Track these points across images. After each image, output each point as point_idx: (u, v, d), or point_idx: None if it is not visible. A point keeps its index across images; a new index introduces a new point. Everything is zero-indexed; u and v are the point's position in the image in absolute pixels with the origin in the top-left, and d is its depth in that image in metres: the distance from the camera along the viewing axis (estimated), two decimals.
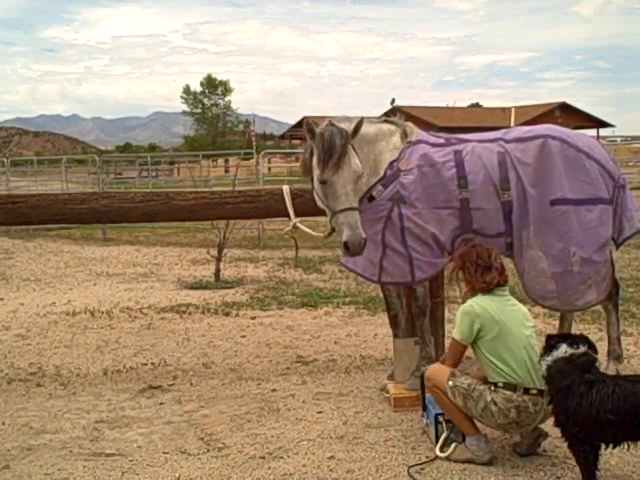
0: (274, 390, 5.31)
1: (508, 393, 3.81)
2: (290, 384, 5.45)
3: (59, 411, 4.98)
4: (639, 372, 5.34)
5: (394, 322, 5.35)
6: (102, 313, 8.13)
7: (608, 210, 4.92)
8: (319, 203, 4.72)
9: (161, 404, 5.09)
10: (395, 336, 5.32)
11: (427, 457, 4.02)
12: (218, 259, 10.19)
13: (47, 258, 13.24)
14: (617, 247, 5.12)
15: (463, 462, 3.93)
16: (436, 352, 5.03)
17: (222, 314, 8.00)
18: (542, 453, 4.04)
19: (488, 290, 3.98)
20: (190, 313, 8.08)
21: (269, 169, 23.49)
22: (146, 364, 6.11)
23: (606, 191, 4.92)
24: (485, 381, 3.94)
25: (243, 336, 7.01)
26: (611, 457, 3.85)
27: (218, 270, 10.09)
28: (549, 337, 3.79)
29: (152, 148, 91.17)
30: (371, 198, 4.77)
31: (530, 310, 4.45)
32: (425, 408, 4.37)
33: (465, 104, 78.20)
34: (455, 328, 3.99)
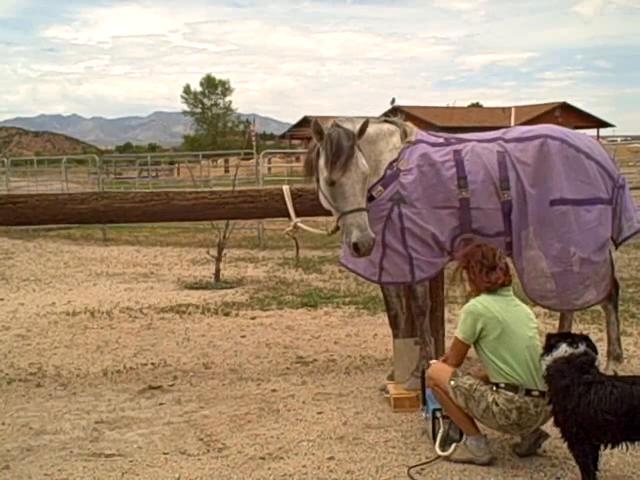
0: (274, 390, 5.31)
1: (510, 394, 3.81)
2: (290, 384, 5.45)
3: (59, 411, 4.98)
4: (639, 372, 5.35)
5: (394, 322, 5.35)
6: (102, 313, 8.13)
7: (607, 210, 4.92)
8: (325, 204, 4.73)
9: (161, 404, 5.08)
10: (395, 336, 5.32)
11: (427, 457, 4.02)
12: (218, 259, 10.19)
13: (47, 258, 13.24)
14: (616, 247, 5.12)
15: (463, 462, 3.93)
16: (436, 352, 5.02)
17: (222, 314, 8.00)
18: (542, 454, 4.04)
19: (492, 290, 3.97)
20: (190, 313, 8.08)
21: (269, 169, 23.48)
22: (146, 364, 6.11)
23: (605, 191, 4.92)
24: (486, 381, 3.93)
25: (243, 336, 7.01)
26: (611, 457, 3.86)
27: (218, 270, 10.09)
28: (549, 336, 3.79)
29: (152, 148, 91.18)
30: (371, 198, 4.77)
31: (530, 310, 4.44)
32: (425, 402, 4.37)
33: (465, 104, 78.21)
34: (458, 327, 3.98)
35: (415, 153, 4.91)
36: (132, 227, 16.45)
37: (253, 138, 31.11)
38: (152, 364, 6.11)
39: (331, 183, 4.47)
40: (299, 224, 5.26)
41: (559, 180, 4.83)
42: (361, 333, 7.01)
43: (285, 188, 5.39)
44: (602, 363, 4.31)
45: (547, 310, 6.08)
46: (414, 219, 4.79)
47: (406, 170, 4.85)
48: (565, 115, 50.84)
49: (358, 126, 4.60)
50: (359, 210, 4.44)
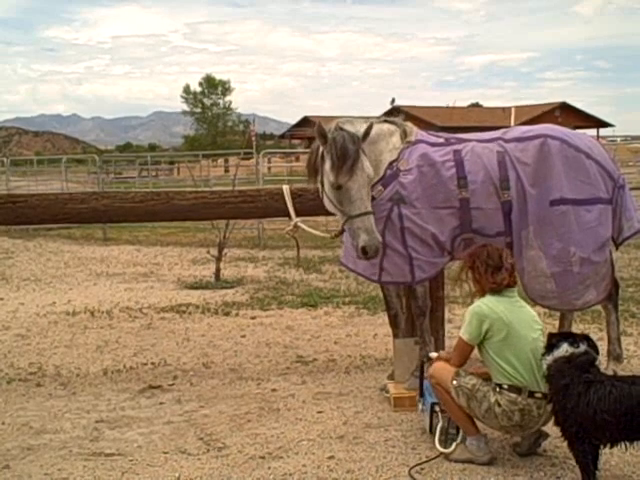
0: (274, 390, 5.31)
1: (513, 396, 3.80)
2: (290, 384, 5.45)
3: (59, 411, 4.98)
4: (639, 372, 5.35)
5: (394, 322, 5.35)
6: (102, 313, 8.13)
7: (607, 210, 4.92)
8: (330, 207, 4.73)
9: (161, 404, 5.09)
10: (395, 336, 5.32)
11: (427, 457, 4.02)
12: (218, 259, 10.20)
13: (47, 258, 13.24)
14: (617, 247, 5.13)
15: (463, 462, 3.93)
16: (436, 351, 5.02)
17: (222, 314, 8.00)
18: (542, 453, 4.04)
19: (497, 291, 3.96)
20: (190, 313, 8.08)
21: (269, 169, 23.47)
22: (146, 364, 6.12)
23: (605, 191, 4.92)
24: (486, 379, 3.93)
25: (243, 336, 7.01)
26: (611, 457, 3.86)
27: (218, 270, 10.10)
28: (551, 335, 3.79)
29: (152, 148, 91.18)
30: (371, 198, 4.77)
31: None
32: (422, 394, 4.37)
33: (465, 104, 78.23)
34: (463, 328, 3.96)
35: (415, 153, 4.91)
36: (132, 227, 16.45)
37: (253, 138, 31.07)
38: (152, 364, 6.12)
39: (337, 187, 4.48)
40: (299, 224, 5.26)
41: (559, 180, 4.83)
42: (361, 333, 7.01)
43: (285, 188, 5.39)
44: (602, 363, 4.31)
45: (547, 310, 6.09)
46: (414, 219, 4.79)
47: (406, 170, 4.85)
48: (565, 115, 50.85)
49: (362, 129, 4.61)
50: (366, 214, 4.46)
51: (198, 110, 76.57)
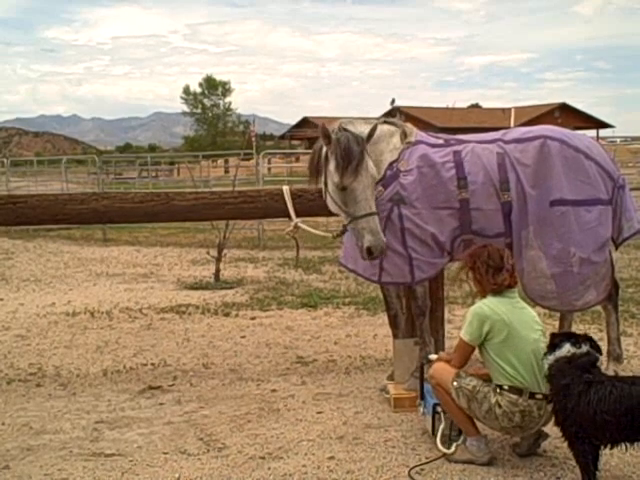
0: (274, 390, 5.31)
1: (514, 397, 3.80)
2: (290, 384, 5.45)
3: (59, 411, 4.98)
4: (639, 372, 5.35)
5: (394, 322, 5.35)
6: (102, 313, 8.14)
7: (607, 210, 4.92)
8: (334, 208, 4.74)
9: (161, 404, 5.09)
10: (395, 336, 5.32)
11: (427, 457, 4.02)
12: (218, 259, 10.20)
13: (47, 258, 13.25)
14: (616, 247, 5.13)
15: (463, 463, 3.93)
16: (436, 352, 5.02)
17: (222, 314, 8.01)
18: (542, 453, 4.04)
19: (498, 292, 3.96)
20: (190, 313, 8.08)
21: (269, 169, 23.48)
22: (146, 364, 6.12)
23: (605, 192, 4.92)
24: (486, 380, 3.93)
25: (243, 336, 7.01)
26: (611, 457, 3.85)
27: (218, 270, 10.10)
28: (553, 335, 3.79)
29: (152, 148, 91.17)
30: None
31: None
32: (423, 397, 4.37)
33: (465, 105, 78.27)
34: (463, 329, 3.96)
35: (415, 154, 4.91)
36: (132, 227, 16.46)
37: (253, 139, 31.06)
38: (152, 364, 6.12)
39: (342, 188, 4.49)
40: (299, 224, 5.27)
41: (559, 180, 4.84)
42: (361, 333, 7.01)
43: (285, 188, 5.39)
44: (602, 363, 4.30)
45: (547, 310, 6.09)
46: (414, 219, 4.79)
47: (406, 171, 4.85)
48: (565, 116, 50.90)
49: (366, 130, 4.61)
50: (371, 214, 4.47)
51: (198, 111, 76.58)
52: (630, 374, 5.01)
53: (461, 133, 5.80)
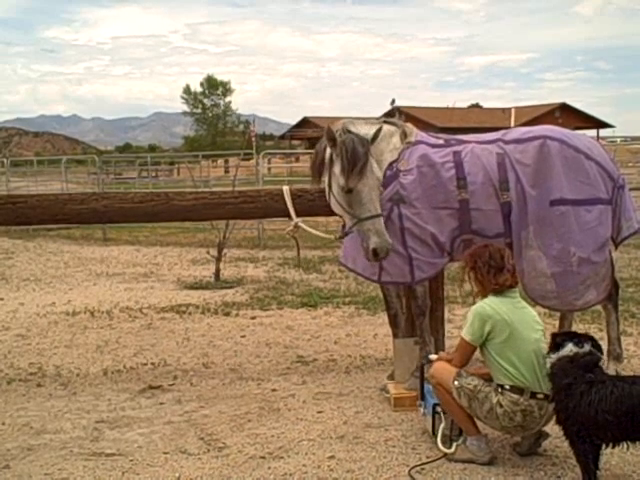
0: (274, 390, 5.31)
1: (515, 396, 3.80)
2: (290, 384, 5.45)
3: (59, 411, 4.98)
4: (639, 372, 5.35)
5: (394, 322, 5.35)
6: (102, 313, 8.14)
7: (607, 210, 4.92)
8: (338, 210, 4.75)
9: (161, 404, 5.09)
10: (395, 336, 5.32)
11: (427, 457, 4.02)
12: (218, 259, 10.20)
13: (47, 258, 13.25)
14: (616, 247, 5.13)
15: (464, 462, 3.93)
16: (436, 352, 5.02)
17: (222, 314, 8.01)
18: (543, 453, 4.04)
19: (499, 291, 3.96)
20: (190, 313, 8.08)
21: (269, 169, 23.48)
22: (146, 364, 6.12)
23: (605, 191, 4.92)
24: (488, 379, 3.93)
25: (243, 336, 7.01)
26: (611, 457, 3.86)
27: (218, 270, 10.10)
28: (555, 335, 3.78)
29: (152, 148, 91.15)
30: None
31: None
32: (423, 397, 4.37)
33: (465, 105, 78.26)
34: (465, 329, 3.96)
35: (415, 154, 4.92)
36: (132, 227, 16.46)
37: (253, 139, 31.06)
38: (152, 364, 6.12)
39: (348, 191, 4.49)
40: (300, 224, 5.27)
41: (559, 180, 4.84)
42: (361, 333, 7.01)
43: (285, 188, 5.39)
44: (604, 363, 4.30)
45: (547, 310, 6.09)
46: (414, 219, 4.80)
47: (406, 170, 4.86)
48: (565, 116, 50.90)
49: (370, 132, 4.61)
50: (377, 216, 4.49)
51: (198, 111, 76.58)
52: (631, 374, 5.01)
53: (461, 133, 5.80)
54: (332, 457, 4.05)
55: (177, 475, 3.89)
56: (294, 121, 67.98)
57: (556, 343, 3.68)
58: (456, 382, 3.93)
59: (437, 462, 3.95)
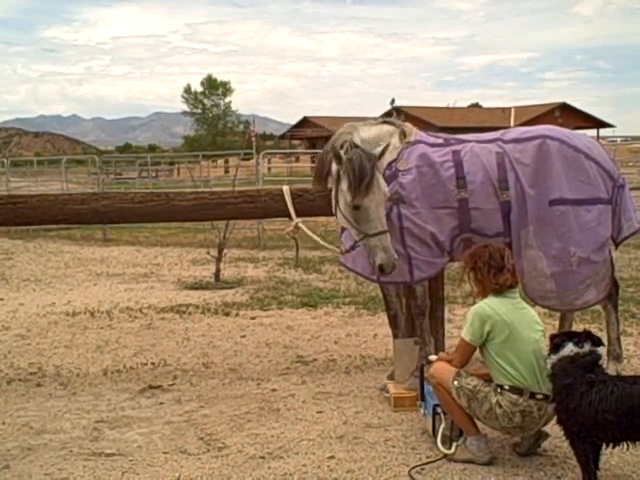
0: (274, 390, 5.32)
1: (514, 397, 3.80)
2: (290, 384, 5.46)
3: (59, 411, 4.98)
4: (639, 372, 5.35)
5: (394, 322, 5.36)
6: (102, 313, 8.14)
7: (607, 210, 4.93)
8: (344, 224, 4.76)
9: (161, 404, 5.09)
10: (395, 336, 5.32)
11: (427, 457, 4.02)
12: (218, 259, 10.20)
13: (47, 258, 13.25)
14: (616, 247, 5.13)
15: (463, 462, 3.93)
16: (436, 352, 5.02)
17: (222, 314, 8.01)
18: (542, 453, 4.04)
19: (499, 291, 3.96)
20: (190, 313, 8.08)
21: (269, 169, 23.49)
22: (146, 364, 6.12)
23: (605, 191, 4.92)
24: (487, 380, 3.93)
25: (243, 336, 7.01)
26: (611, 457, 3.86)
27: (218, 270, 10.10)
28: (553, 336, 3.77)
29: (152, 148, 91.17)
30: None
31: None
32: (423, 398, 4.37)
33: (465, 104, 78.27)
34: (465, 329, 3.96)
35: (414, 153, 4.92)
36: (132, 227, 16.45)
37: (253, 138, 31.09)
38: (152, 364, 6.12)
39: (355, 207, 4.50)
40: (300, 225, 5.27)
41: (558, 180, 4.84)
42: (361, 333, 7.01)
43: (285, 188, 5.39)
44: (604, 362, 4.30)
45: (547, 310, 6.09)
46: (413, 219, 4.80)
47: (405, 170, 4.86)
48: (565, 115, 50.89)
49: (378, 149, 4.59)
50: (383, 232, 4.49)
51: (198, 111, 76.58)
52: (631, 373, 5.01)
53: (461, 133, 5.80)
54: (332, 457, 4.05)
55: (177, 475, 3.89)
56: (294, 121, 68.02)
57: (555, 344, 3.68)
58: (455, 382, 3.93)
59: (437, 462, 3.95)
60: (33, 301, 9.01)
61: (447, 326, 5.87)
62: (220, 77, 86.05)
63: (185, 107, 77.24)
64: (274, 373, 5.77)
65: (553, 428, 3.82)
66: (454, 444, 4.01)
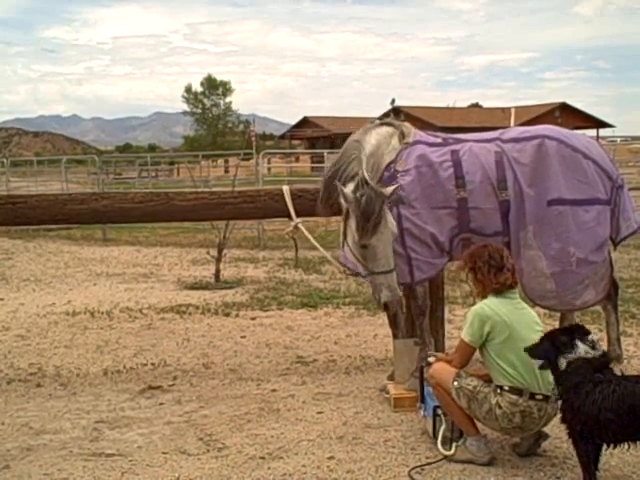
0: (274, 390, 5.32)
1: (514, 397, 3.80)
2: (290, 384, 5.46)
3: (59, 411, 4.98)
4: (639, 372, 5.35)
5: (394, 322, 5.35)
6: (102, 313, 8.13)
7: (606, 210, 4.93)
8: (352, 259, 4.77)
9: (161, 404, 5.09)
10: (395, 336, 5.32)
11: (427, 457, 4.02)
12: (218, 259, 10.20)
13: (47, 258, 13.24)
14: (615, 247, 5.13)
15: (463, 462, 3.93)
16: (436, 352, 5.03)
17: (222, 314, 8.01)
18: (542, 453, 4.04)
19: (500, 291, 3.96)
20: (190, 313, 8.08)
21: (269, 169, 23.49)
22: (146, 364, 6.12)
23: (604, 191, 4.92)
24: (487, 380, 3.93)
25: (243, 336, 7.01)
26: (611, 457, 3.86)
27: (218, 270, 10.10)
28: (550, 333, 3.74)
29: (152, 148, 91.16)
30: None
31: None
32: (423, 400, 4.37)
33: (465, 104, 78.24)
34: (465, 330, 3.96)
35: (413, 154, 4.92)
36: (132, 227, 16.45)
37: (253, 138, 31.09)
38: (152, 364, 6.12)
39: (362, 246, 4.50)
40: (300, 225, 5.27)
41: (557, 180, 4.84)
42: (361, 333, 7.01)
43: (285, 188, 5.39)
44: None
45: (547, 311, 6.09)
46: (413, 220, 4.80)
47: (404, 171, 4.85)
48: (565, 115, 50.85)
49: (390, 188, 4.53)
50: (390, 271, 4.50)
51: (198, 110, 76.56)
52: (635, 373, 5.01)
53: (461, 133, 5.79)
54: (332, 457, 4.05)
55: (177, 475, 3.89)
56: (294, 121, 67.99)
57: (563, 342, 3.64)
58: (455, 383, 3.93)
59: (437, 463, 3.95)
60: (33, 301, 9.01)
61: (447, 326, 5.87)
62: (220, 77, 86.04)
63: (185, 107, 77.28)
64: (274, 374, 5.77)
65: (553, 429, 3.83)
66: (454, 444, 4.01)
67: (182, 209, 5.45)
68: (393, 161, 4.88)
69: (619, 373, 4.62)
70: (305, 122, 62.55)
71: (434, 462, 3.95)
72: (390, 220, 4.53)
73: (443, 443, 4.05)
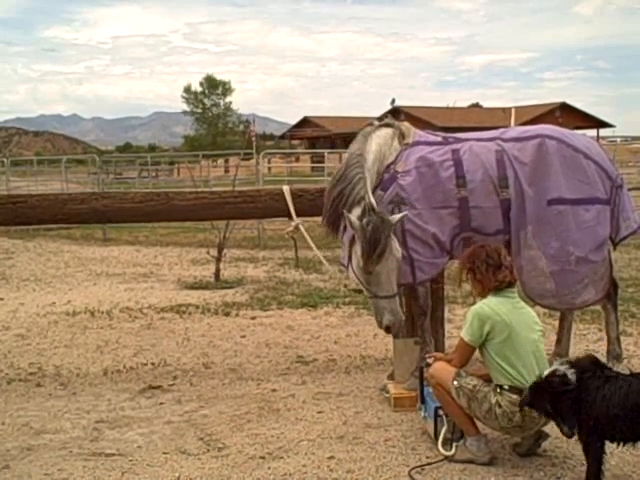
0: (274, 390, 5.32)
1: (514, 397, 3.79)
2: (290, 384, 5.46)
3: (59, 411, 4.98)
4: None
5: None
6: (102, 313, 8.13)
7: (605, 210, 4.93)
8: (356, 281, 4.78)
9: (161, 404, 5.09)
10: (395, 336, 5.32)
11: (427, 457, 4.02)
12: (218, 259, 10.20)
13: (47, 258, 13.24)
14: (614, 247, 5.13)
15: (463, 462, 3.93)
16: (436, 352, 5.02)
17: (222, 314, 8.01)
18: (542, 453, 4.04)
19: (499, 290, 3.96)
20: (190, 313, 8.08)
21: (269, 169, 23.48)
22: (146, 364, 6.12)
23: (603, 191, 4.92)
24: (487, 380, 3.93)
25: (243, 336, 7.01)
26: (611, 457, 3.85)
27: (218, 270, 10.10)
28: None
29: (152, 148, 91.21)
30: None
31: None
32: (423, 401, 4.37)
33: (465, 104, 78.23)
34: (464, 329, 3.96)
35: (413, 155, 4.91)
36: (132, 227, 16.45)
37: (253, 138, 31.07)
38: (152, 364, 6.12)
39: (367, 272, 4.50)
40: (300, 226, 5.27)
41: (557, 180, 4.84)
42: (361, 333, 7.01)
43: (285, 188, 5.39)
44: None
45: (547, 310, 6.09)
46: (415, 220, 4.79)
47: (404, 172, 4.85)
48: (565, 115, 50.84)
49: (397, 217, 4.54)
50: (393, 296, 4.53)
51: (199, 110, 76.57)
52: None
53: (461, 133, 5.79)
54: (332, 457, 4.05)
55: (177, 475, 3.89)
56: (294, 121, 68.00)
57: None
58: (455, 382, 3.93)
59: (437, 462, 3.95)
60: (33, 301, 9.01)
61: (447, 326, 5.87)
62: (220, 77, 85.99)
63: (185, 107, 77.29)
64: (274, 373, 5.77)
65: (553, 428, 3.82)
66: (454, 444, 4.01)
67: (182, 209, 5.46)
68: (393, 162, 4.88)
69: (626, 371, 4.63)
70: (305, 122, 62.57)
71: (434, 462, 3.95)
72: (395, 247, 4.54)
73: (444, 444, 4.05)
